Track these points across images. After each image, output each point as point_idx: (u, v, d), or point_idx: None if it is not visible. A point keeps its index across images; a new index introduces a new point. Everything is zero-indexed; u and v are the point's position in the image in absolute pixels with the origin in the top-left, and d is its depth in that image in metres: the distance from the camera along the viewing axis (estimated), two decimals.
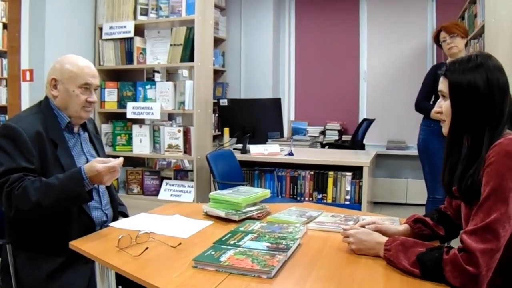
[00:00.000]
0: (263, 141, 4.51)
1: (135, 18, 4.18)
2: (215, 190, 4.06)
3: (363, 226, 1.73)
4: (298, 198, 4.11)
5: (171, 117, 4.98)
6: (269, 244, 1.63)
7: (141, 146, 4.21)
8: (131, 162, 4.44)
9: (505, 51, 3.52)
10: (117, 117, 4.34)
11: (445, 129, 1.59)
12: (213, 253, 1.54)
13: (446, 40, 3.66)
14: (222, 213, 2.04)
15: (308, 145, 5.74)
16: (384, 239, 1.58)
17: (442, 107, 1.56)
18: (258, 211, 2.12)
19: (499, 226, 1.34)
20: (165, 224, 1.96)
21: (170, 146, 4.10)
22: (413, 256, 1.43)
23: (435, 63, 5.84)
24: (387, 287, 1.36)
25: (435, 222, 1.77)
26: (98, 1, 4.31)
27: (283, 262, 1.51)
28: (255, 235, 1.75)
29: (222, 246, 1.61)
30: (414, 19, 6.06)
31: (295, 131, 6.39)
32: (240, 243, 1.65)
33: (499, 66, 1.50)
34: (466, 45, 3.74)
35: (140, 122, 4.34)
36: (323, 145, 6.06)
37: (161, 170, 4.41)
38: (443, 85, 1.56)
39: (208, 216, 2.12)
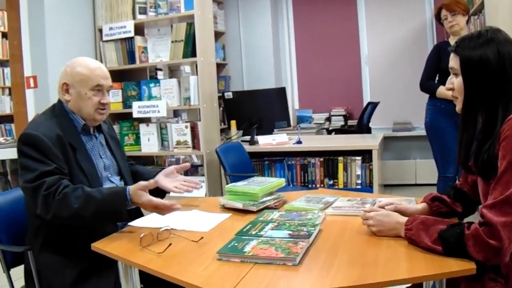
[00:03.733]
0: (270, 132, 4.51)
1: (134, 17, 4.18)
2: (226, 183, 4.08)
3: (382, 207, 1.74)
4: (310, 186, 4.11)
5: (176, 113, 4.99)
6: (291, 232, 1.64)
7: (150, 144, 4.22)
8: (140, 161, 4.42)
9: (506, 26, 3.48)
10: (123, 118, 4.36)
11: (458, 106, 1.59)
12: (236, 244, 1.55)
13: (448, 18, 3.65)
14: (239, 205, 2.05)
15: (314, 133, 5.73)
16: (404, 219, 1.59)
17: (454, 84, 1.57)
18: (275, 200, 2.13)
19: None
20: (184, 220, 1.97)
21: (178, 143, 4.11)
22: (434, 234, 1.44)
23: (435, 42, 5.81)
24: (411, 266, 1.37)
25: (452, 199, 1.78)
26: (96, 3, 4.31)
27: (306, 249, 1.52)
28: (275, 224, 1.76)
29: (244, 237, 1.62)
30: None
31: (300, 119, 6.39)
32: (262, 232, 1.66)
33: (509, 40, 1.50)
34: (467, 22, 3.72)
35: (147, 120, 4.35)
36: (329, 132, 6.06)
37: None
38: (453, 62, 1.56)
39: (226, 208, 2.13)
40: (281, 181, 2.24)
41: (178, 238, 1.71)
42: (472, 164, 1.55)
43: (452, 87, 1.58)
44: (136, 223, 1.99)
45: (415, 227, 1.51)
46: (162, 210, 1.86)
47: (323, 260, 1.46)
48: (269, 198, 2.13)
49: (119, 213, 1.86)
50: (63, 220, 1.85)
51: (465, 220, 1.75)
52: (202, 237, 1.69)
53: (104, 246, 1.72)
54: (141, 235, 1.65)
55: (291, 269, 1.40)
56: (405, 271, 1.34)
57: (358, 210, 1.93)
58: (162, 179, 2.26)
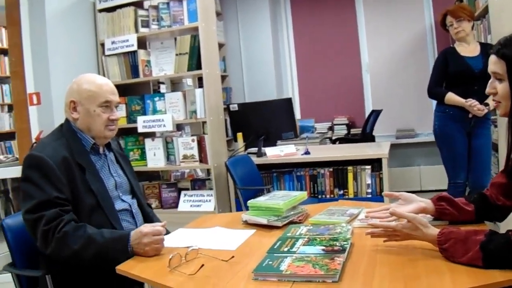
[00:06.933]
0: (274, 143, 4.45)
1: (136, 31, 4.11)
2: (235, 196, 4.03)
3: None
4: (320, 196, 4.06)
5: (179, 127, 4.92)
6: (324, 247, 1.59)
7: (156, 159, 4.15)
8: (146, 176, 4.39)
9: (511, 31, 3.47)
10: (127, 133, 4.29)
11: (501, 110, 1.53)
12: (270, 262, 1.49)
13: (453, 24, 3.64)
14: (264, 220, 1.99)
15: (318, 142, 5.69)
16: (433, 230, 1.51)
17: (497, 88, 1.51)
18: (298, 214, 2.08)
19: None
20: (209, 238, 1.91)
21: (185, 157, 4.05)
22: (473, 247, 1.37)
23: (435, 48, 5.82)
24: (454, 279, 1.31)
25: (468, 201, 1.71)
26: (97, 17, 4.26)
27: (343, 264, 1.47)
28: (306, 239, 1.70)
29: (277, 254, 1.57)
30: (410, 5, 6.03)
31: (302, 129, 6.34)
32: (294, 249, 1.61)
33: None
34: (472, 27, 3.71)
35: (151, 135, 4.29)
36: (333, 141, 6.02)
37: (178, 181, 4.36)
38: (496, 66, 1.49)
39: (248, 224, 2.07)
40: (304, 194, 2.19)
41: (206, 257, 1.64)
42: None
43: (495, 91, 1.52)
44: None
45: (452, 247, 1.43)
46: (157, 238, 1.78)
47: (362, 275, 1.41)
48: (292, 212, 2.07)
49: (116, 260, 1.73)
50: (61, 258, 1.80)
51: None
52: (233, 256, 1.62)
53: (130, 268, 1.66)
54: (170, 256, 1.58)
55: (332, 286, 1.35)
56: (450, 284, 1.29)
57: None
58: None
